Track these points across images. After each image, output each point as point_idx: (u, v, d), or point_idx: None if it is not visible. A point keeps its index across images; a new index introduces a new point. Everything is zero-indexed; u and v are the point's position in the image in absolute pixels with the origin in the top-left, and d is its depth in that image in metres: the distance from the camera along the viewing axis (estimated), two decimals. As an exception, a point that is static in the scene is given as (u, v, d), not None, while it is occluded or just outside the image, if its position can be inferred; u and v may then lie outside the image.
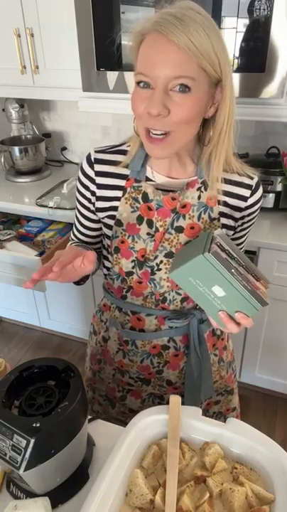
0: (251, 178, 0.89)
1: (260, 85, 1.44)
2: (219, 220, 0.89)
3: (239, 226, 0.93)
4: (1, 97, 2.16)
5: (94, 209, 0.93)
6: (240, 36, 1.37)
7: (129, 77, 1.56)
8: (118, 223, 0.89)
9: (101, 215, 0.93)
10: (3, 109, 2.25)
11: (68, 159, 2.40)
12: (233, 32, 1.36)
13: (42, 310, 2.33)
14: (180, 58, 0.70)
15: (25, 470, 0.62)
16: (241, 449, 0.72)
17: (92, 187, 0.91)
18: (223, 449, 0.72)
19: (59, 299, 2.22)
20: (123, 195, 0.89)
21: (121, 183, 0.89)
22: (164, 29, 0.70)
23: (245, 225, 0.94)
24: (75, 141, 2.37)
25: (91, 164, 0.90)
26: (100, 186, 0.90)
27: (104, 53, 1.56)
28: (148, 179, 0.89)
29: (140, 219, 0.88)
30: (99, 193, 0.91)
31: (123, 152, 0.89)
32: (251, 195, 0.89)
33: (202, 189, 0.87)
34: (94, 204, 0.93)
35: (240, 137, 0.83)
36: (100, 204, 0.92)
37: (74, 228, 1.03)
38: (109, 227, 0.92)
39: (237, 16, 1.34)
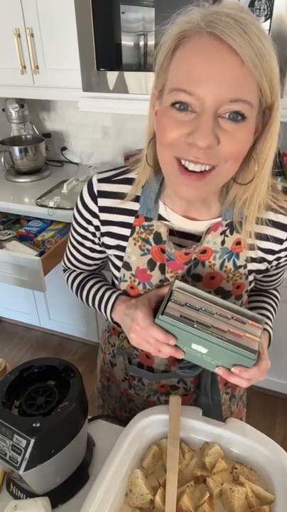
0: None
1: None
2: (245, 267, 0.76)
3: (272, 267, 0.80)
4: (1, 97, 2.16)
5: (99, 243, 0.82)
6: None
7: (129, 77, 1.56)
8: (127, 266, 0.78)
9: (108, 251, 0.81)
10: (3, 109, 2.25)
11: (68, 159, 2.40)
12: (233, 32, 1.36)
13: (42, 310, 2.33)
14: (241, 75, 0.53)
15: (25, 470, 0.62)
16: (241, 449, 0.71)
17: (95, 222, 0.79)
18: (223, 449, 0.72)
19: (59, 299, 2.22)
20: (131, 235, 0.76)
21: (129, 219, 0.76)
22: (223, 33, 0.52)
23: (280, 265, 0.80)
24: (75, 141, 2.36)
25: (94, 198, 0.76)
26: (105, 223, 0.78)
27: (104, 53, 1.56)
28: (160, 217, 0.75)
29: (151, 264, 0.75)
30: (105, 229, 0.78)
31: (131, 182, 0.75)
32: None
33: (227, 232, 0.72)
34: (99, 238, 0.81)
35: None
36: (107, 240, 0.80)
37: (71, 258, 0.90)
38: (117, 267, 0.80)
39: (237, 16, 1.34)
